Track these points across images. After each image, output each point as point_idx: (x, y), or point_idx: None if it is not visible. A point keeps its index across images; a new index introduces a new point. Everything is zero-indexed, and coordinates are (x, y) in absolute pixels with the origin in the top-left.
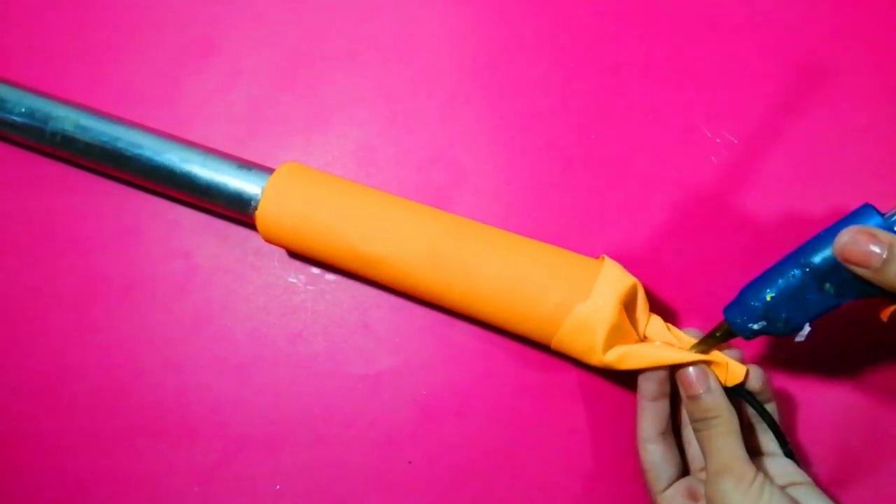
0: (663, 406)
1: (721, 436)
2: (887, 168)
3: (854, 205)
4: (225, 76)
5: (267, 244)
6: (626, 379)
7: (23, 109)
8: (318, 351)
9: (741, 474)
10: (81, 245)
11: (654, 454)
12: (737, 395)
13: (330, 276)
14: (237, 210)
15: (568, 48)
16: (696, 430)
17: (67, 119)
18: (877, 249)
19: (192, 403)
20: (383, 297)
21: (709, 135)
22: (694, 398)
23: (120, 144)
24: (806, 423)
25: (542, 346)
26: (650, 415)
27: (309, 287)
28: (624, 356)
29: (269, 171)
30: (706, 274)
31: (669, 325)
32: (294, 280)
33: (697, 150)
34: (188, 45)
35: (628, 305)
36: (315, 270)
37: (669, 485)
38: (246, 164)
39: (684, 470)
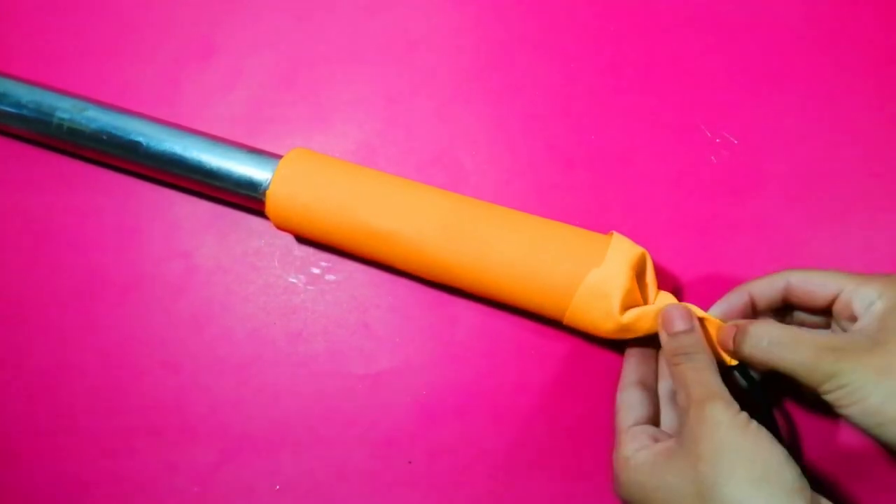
0: (650, 356)
1: (704, 370)
2: (888, 168)
3: (854, 204)
4: (225, 76)
5: (267, 244)
6: None
7: (29, 102)
8: (318, 351)
9: (730, 400)
10: (81, 244)
11: (632, 396)
12: (737, 371)
13: (330, 276)
14: (247, 194)
15: (568, 48)
16: (674, 366)
17: (74, 109)
18: None
19: (192, 403)
20: (383, 296)
21: (709, 135)
22: (675, 335)
23: (129, 133)
24: (806, 424)
25: (542, 346)
26: (635, 361)
27: (309, 287)
28: (639, 317)
29: (277, 157)
30: (706, 274)
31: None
32: (294, 280)
33: (697, 150)
34: (188, 45)
35: (638, 275)
36: (315, 270)
37: (637, 424)
38: (254, 151)
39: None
